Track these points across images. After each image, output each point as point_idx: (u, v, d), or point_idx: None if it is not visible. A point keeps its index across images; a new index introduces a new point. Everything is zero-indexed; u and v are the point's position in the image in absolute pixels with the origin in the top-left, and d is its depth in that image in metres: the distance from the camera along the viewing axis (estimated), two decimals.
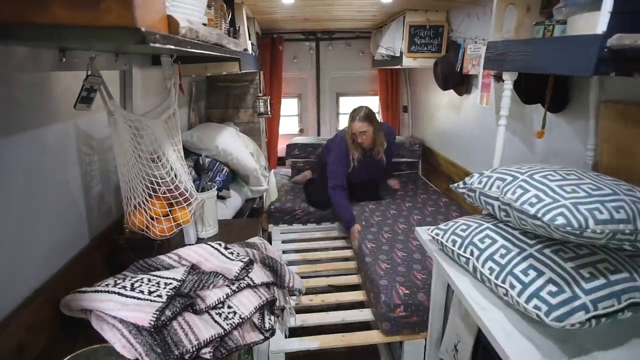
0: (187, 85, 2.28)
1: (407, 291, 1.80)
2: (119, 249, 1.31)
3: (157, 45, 0.58)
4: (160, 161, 1.17)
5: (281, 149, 4.13)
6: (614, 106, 1.38)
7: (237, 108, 2.85)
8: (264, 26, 3.51)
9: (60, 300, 1.01)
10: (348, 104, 4.18)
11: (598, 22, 0.97)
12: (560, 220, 0.91)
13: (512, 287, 1.01)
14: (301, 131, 4.32)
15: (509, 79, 1.42)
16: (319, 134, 4.25)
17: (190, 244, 1.41)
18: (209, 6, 1.20)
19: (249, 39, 2.25)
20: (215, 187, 1.58)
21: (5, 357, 0.83)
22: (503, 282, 1.04)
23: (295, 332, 1.85)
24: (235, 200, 2.22)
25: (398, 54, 2.69)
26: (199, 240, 1.54)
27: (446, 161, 3.05)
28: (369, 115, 2.48)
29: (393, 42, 2.72)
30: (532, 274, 1.00)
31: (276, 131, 3.97)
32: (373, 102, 4.16)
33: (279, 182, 3.41)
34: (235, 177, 2.41)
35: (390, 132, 2.83)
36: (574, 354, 0.89)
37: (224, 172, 2.12)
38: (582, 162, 1.51)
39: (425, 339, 1.75)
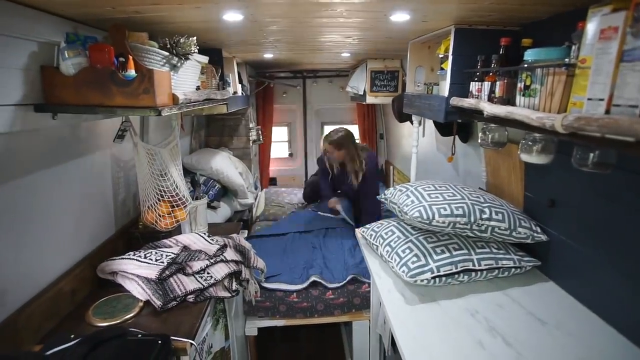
0: (189, 120, 2.87)
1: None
2: (134, 239, 1.84)
3: (166, 113, 1.14)
4: (166, 176, 1.71)
5: (272, 170, 4.70)
6: None
7: (231, 136, 3.43)
8: (257, 68, 4.14)
9: (97, 266, 1.54)
10: None
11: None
12: (416, 214, 1.43)
13: (395, 261, 1.52)
14: (290, 155, 4.91)
15: (415, 119, 1.97)
16: (306, 157, 4.83)
17: None
18: (202, 73, 1.77)
19: (239, 83, 2.84)
20: (207, 197, 2.12)
21: (66, 295, 1.36)
22: (391, 258, 1.55)
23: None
24: (224, 210, 2.75)
25: (362, 93, 3.28)
26: None
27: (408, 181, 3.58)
28: (336, 141, 2.78)
29: (357, 83, 3.33)
30: (407, 252, 1.51)
31: (268, 155, 4.55)
32: (353, 130, 4.74)
33: (268, 199, 3.95)
34: (227, 192, 2.96)
35: (371, 160, 2.94)
36: (427, 301, 1.38)
37: (215, 187, 2.66)
38: (480, 179, 2.04)
39: (369, 320, 2.23)
